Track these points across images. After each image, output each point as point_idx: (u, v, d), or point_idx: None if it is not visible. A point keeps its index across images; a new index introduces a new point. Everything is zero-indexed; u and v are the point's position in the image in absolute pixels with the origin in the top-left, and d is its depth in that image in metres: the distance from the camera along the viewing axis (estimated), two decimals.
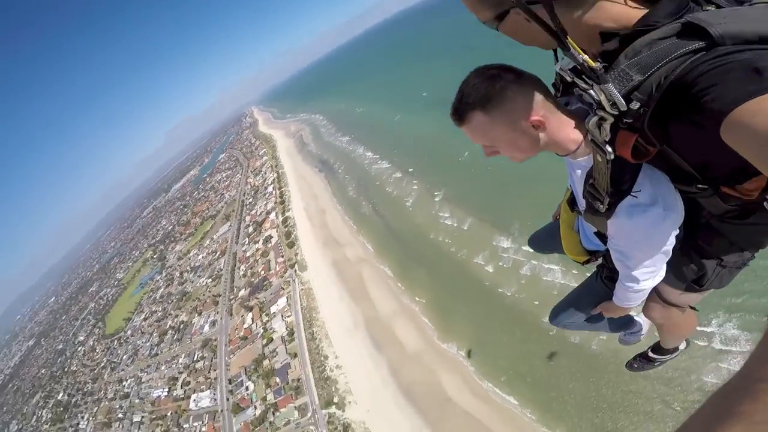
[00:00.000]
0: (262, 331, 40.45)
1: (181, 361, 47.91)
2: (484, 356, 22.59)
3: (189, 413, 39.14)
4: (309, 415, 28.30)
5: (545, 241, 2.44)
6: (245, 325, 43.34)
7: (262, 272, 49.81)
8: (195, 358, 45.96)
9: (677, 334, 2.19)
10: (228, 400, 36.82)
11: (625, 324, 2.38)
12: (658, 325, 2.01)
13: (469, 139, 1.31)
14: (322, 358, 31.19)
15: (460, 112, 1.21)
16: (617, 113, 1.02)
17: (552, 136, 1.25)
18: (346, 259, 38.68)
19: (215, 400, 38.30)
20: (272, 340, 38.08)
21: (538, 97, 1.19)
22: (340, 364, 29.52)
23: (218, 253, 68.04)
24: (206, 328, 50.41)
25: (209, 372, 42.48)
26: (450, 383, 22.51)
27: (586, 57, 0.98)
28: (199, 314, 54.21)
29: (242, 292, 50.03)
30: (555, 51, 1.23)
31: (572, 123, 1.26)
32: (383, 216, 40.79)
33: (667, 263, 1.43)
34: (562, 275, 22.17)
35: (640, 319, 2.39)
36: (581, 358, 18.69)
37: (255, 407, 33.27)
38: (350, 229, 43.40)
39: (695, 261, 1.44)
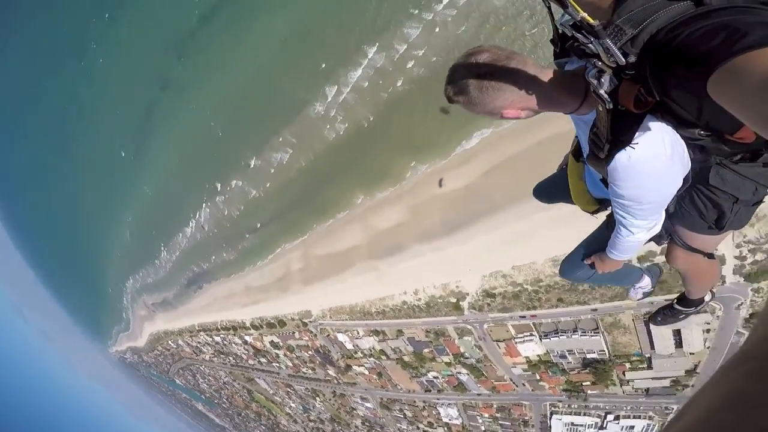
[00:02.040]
0: None
1: None
2: None
3: None
4: None
5: (551, 191, 2.45)
6: None
7: None
8: None
9: (702, 283, 2.20)
10: None
11: (635, 279, 2.48)
12: (683, 272, 2.04)
13: None
14: None
15: (448, 98, 1.35)
16: (615, 65, 1.07)
17: (543, 108, 1.37)
18: None
19: None
20: None
21: (516, 93, 1.30)
22: None
23: None
24: None
25: None
26: None
27: (584, 14, 1.02)
28: None
29: None
30: (549, 8, 1.24)
31: (569, 86, 1.36)
32: None
33: (686, 207, 1.51)
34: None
35: (648, 274, 2.51)
36: None
37: None
38: None
39: (713, 202, 1.47)
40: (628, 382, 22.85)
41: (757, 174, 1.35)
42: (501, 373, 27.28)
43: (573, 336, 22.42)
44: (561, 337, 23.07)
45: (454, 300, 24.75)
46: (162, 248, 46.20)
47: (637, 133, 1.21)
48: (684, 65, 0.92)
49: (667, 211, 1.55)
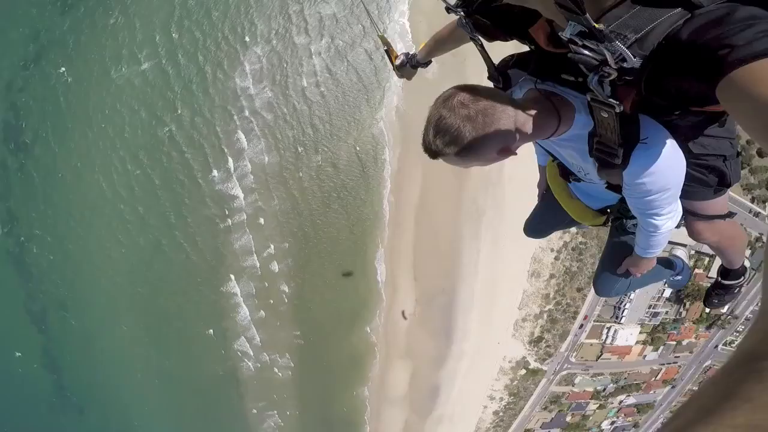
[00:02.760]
0: None
1: None
2: None
3: None
4: None
5: (543, 223, 2.46)
6: None
7: None
8: None
9: (736, 248, 2.16)
10: None
11: (668, 266, 2.42)
12: (714, 244, 2.00)
13: None
14: None
15: (434, 153, 1.24)
16: (618, 68, 1.08)
17: (534, 134, 1.32)
18: None
19: None
20: None
21: (506, 130, 1.25)
22: None
23: None
24: None
25: None
26: None
27: (592, 21, 1.03)
28: None
29: None
30: (481, 45, 1.53)
31: (544, 107, 1.33)
32: None
33: (689, 183, 1.51)
34: None
35: (676, 259, 2.49)
36: None
37: None
38: None
39: (708, 167, 1.55)
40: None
41: (722, 131, 1.48)
42: (645, 370, 24.12)
43: (631, 297, 20.68)
44: (627, 307, 21.14)
45: (523, 371, 22.43)
46: None
47: (641, 129, 1.28)
48: (691, 67, 0.96)
49: None
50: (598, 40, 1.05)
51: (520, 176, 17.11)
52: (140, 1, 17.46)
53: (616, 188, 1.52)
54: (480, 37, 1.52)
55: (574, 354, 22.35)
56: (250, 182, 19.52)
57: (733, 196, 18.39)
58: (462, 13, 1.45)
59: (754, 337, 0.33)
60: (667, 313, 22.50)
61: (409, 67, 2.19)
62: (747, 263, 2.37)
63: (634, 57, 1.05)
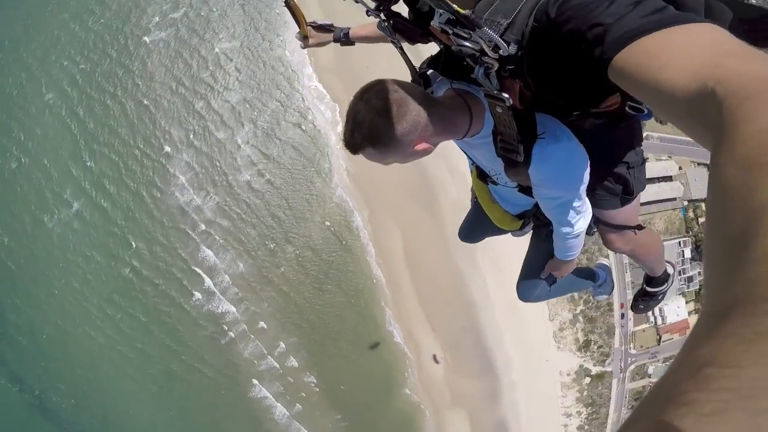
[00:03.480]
0: None
1: None
2: None
3: None
4: None
5: (471, 229, 2.43)
6: None
7: None
8: None
9: (653, 256, 2.20)
10: None
11: (589, 277, 2.48)
12: (629, 253, 2.02)
13: None
14: None
15: (354, 147, 1.22)
16: (497, 57, 1.05)
17: (437, 141, 1.32)
18: None
19: None
20: None
21: (422, 122, 1.22)
22: None
23: None
24: None
25: None
26: None
27: (456, 6, 1.01)
28: None
29: None
30: (401, 48, 1.39)
31: (454, 111, 1.32)
32: None
33: (595, 189, 1.53)
34: None
35: (599, 269, 2.54)
36: None
37: None
38: None
39: (612, 175, 1.55)
40: None
41: (626, 137, 1.48)
42: None
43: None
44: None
45: (587, 379, 21.23)
46: None
47: (538, 125, 1.26)
48: (573, 50, 0.90)
49: None
50: (469, 27, 1.03)
51: None
52: (33, 136, 16.01)
53: (527, 191, 1.54)
54: (400, 41, 1.40)
55: (631, 346, 20.61)
56: (235, 293, 18.59)
57: None
58: (382, 16, 1.33)
59: (693, 339, 0.31)
60: (699, 273, 20.85)
61: (337, 36, 1.95)
62: (670, 269, 2.43)
63: (508, 44, 1.02)
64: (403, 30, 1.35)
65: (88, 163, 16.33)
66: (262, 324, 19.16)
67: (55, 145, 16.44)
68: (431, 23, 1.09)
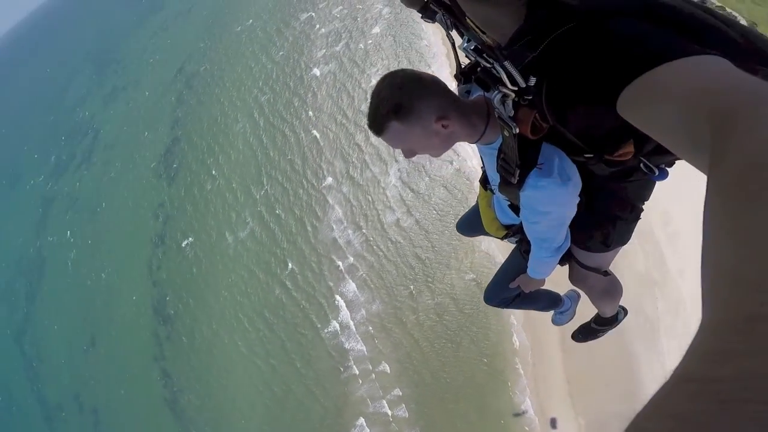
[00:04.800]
0: None
1: None
2: None
3: None
4: None
5: (469, 224, 2.58)
6: None
7: None
8: None
9: (606, 301, 2.32)
10: None
11: (553, 302, 2.60)
12: (587, 292, 2.17)
13: None
14: None
15: (378, 123, 1.32)
16: (517, 89, 1.11)
17: (458, 130, 1.39)
18: None
19: None
20: None
21: (441, 100, 1.33)
22: None
23: None
24: None
25: None
26: None
27: (484, 36, 1.06)
28: None
29: None
30: (453, 43, 1.36)
31: (475, 112, 1.40)
32: None
33: (576, 228, 1.61)
34: None
35: (566, 297, 2.65)
36: None
37: None
38: None
39: (598, 222, 1.61)
40: None
41: (630, 194, 1.53)
42: None
43: None
44: None
45: None
46: None
47: (539, 156, 1.34)
48: (585, 86, 0.94)
49: None
50: (493, 59, 1.05)
51: (691, 266, 13.26)
52: (228, 159, 18.14)
53: (516, 209, 1.62)
54: (446, 24, 1.37)
55: None
56: (368, 330, 18.73)
57: None
58: (441, 10, 1.31)
59: (690, 360, 0.32)
60: None
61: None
62: (621, 315, 2.52)
63: (527, 78, 1.05)
64: (458, 27, 1.32)
65: (266, 188, 17.92)
66: (384, 366, 18.88)
67: (243, 169, 18.34)
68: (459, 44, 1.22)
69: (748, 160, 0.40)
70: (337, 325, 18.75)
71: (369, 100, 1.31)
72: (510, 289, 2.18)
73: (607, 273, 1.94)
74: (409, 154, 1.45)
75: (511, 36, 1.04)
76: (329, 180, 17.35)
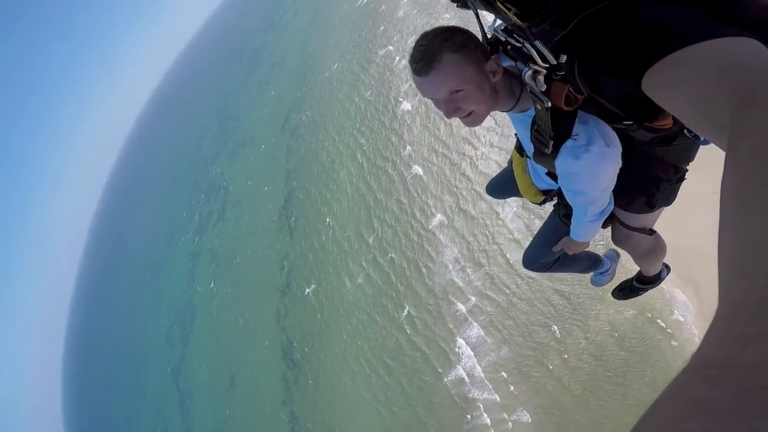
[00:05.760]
0: None
1: None
2: None
3: None
4: None
5: (500, 187, 2.61)
6: None
7: None
8: None
9: (651, 260, 2.31)
10: None
11: (593, 264, 2.61)
12: (631, 252, 2.15)
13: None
14: None
15: (432, 53, 1.26)
16: (548, 66, 1.13)
17: (501, 85, 1.40)
18: None
19: None
20: None
21: (485, 49, 1.38)
22: None
23: None
24: None
25: None
26: None
27: (515, 18, 1.08)
28: None
29: None
30: (477, 14, 1.38)
31: (511, 80, 1.43)
32: None
33: (619, 191, 1.62)
34: None
35: (607, 257, 2.71)
36: None
37: None
38: None
39: (642, 185, 1.64)
40: None
41: (674, 154, 1.51)
42: None
43: None
44: None
45: None
46: None
47: (575, 126, 1.34)
48: (615, 61, 0.93)
49: None
50: (523, 38, 1.08)
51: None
52: (340, 206, 18.50)
53: (554, 176, 1.62)
54: (477, 6, 1.40)
55: None
56: (499, 375, 16.85)
57: None
58: None
59: (708, 346, 0.31)
60: None
61: None
62: (664, 273, 2.49)
63: (560, 54, 1.07)
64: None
65: (377, 231, 17.72)
66: (523, 414, 16.71)
67: (354, 213, 18.54)
68: (488, 28, 1.28)
69: (765, 137, 0.40)
70: (462, 371, 17.50)
71: (411, 53, 1.29)
72: (552, 252, 2.15)
73: (652, 232, 1.93)
74: (453, 102, 1.35)
75: (540, 13, 1.07)
76: (439, 217, 16.60)
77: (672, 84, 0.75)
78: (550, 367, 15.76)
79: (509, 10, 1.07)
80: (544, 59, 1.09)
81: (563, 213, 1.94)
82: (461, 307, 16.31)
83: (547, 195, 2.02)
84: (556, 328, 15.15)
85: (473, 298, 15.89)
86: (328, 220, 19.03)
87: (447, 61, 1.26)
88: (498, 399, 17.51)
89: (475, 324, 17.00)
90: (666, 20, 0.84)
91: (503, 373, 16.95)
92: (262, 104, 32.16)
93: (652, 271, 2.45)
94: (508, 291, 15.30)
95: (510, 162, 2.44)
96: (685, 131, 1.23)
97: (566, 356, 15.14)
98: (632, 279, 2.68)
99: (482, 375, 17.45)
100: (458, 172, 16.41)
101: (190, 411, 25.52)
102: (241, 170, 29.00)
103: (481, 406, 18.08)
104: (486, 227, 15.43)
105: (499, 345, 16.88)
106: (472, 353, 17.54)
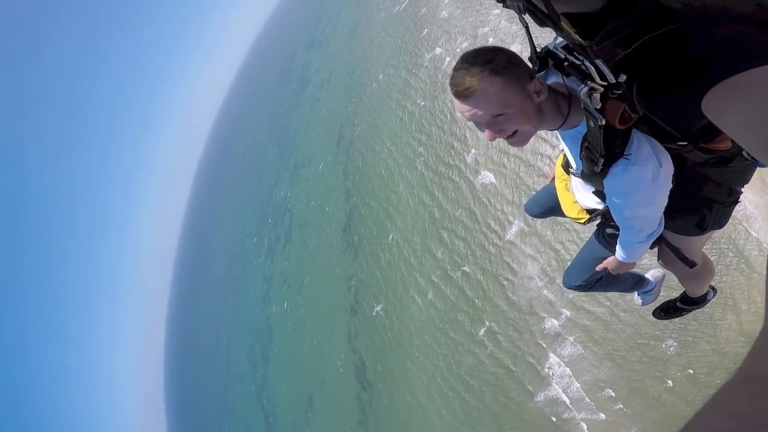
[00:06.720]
0: None
1: None
2: None
3: None
4: None
5: (543, 205, 2.60)
6: None
7: None
8: None
9: (697, 281, 2.31)
10: None
11: (636, 284, 2.66)
12: (677, 274, 2.15)
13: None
14: None
15: (472, 76, 1.28)
16: (606, 84, 1.15)
17: (546, 105, 1.41)
18: None
19: None
20: None
21: (529, 69, 1.39)
22: None
23: None
24: None
25: None
26: None
27: (576, 36, 1.08)
28: None
29: None
30: (527, 26, 1.33)
31: (559, 99, 1.45)
32: None
33: (670, 212, 1.61)
34: None
35: (651, 276, 2.77)
36: None
37: None
38: None
39: (693, 207, 1.63)
40: None
41: (729, 177, 1.50)
42: None
43: None
44: None
45: None
46: None
47: (627, 145, 1.34)
48: (676, 83, 0.96)
49: None
50: (584, 57, 1.10)
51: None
52: (404, 219, 17.72)
53: (601, 195, 1.63)
54: (527, 19, 1.41)
55: None
56: (602, 393, 14.74)
57: None
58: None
59: (754, 360, 0.30)
60: None
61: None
62: (710, 295, 2.44)
63: (619, 73, 1.08)
64: (533, 12, 1.30)
65: (446, 243, 16.64)
66: None
67: (419, 226, 17.67)
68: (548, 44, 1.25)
69: None
70: (558, 388, 15.74)
71: (453, 74, 1.29)
72: (595, 272, 2.19)
73: (694, 264, 1.90)
74: (496, 129, 1.36)
75: (604, 31, 1.07)
76: (517, 225, 15.05)
77: (728, 108, 0.74)
78: (672, 384, 13.62)
79: (572, 28, 1.06)
80: (603, 77, 1.12)
81: (609, 233, 1.93)
82: (552, 321, 14.82)
83: (591, 214, 1.98)
84: (671, 340, 13.01)
85: (566, 312, 14.25)
86: (392, 235, 18.42)
87: (488, 84, 1.28)
88: (604, 417, 15.45)
89: (570, 338, 15.19)
90: (727, 44, 0.82)
91: (609, 390, 14.97)
92: (315, 123, 32.91)
93: (698, 293, 2.44)
94: (608, 303, 13.46)
95: (550, 180, 2.40)
96: (744, 153, 1.19)
97: (691, 370, 12.96)
98: (676, 299, 2.65)
99: (582, 393, 15.55)
100: (535, 174, 14.88)
101: (274, 429, 26.22)
102: (303, 191, 29.70)
103: (585, 425, 16.14)
104: (577, 234, 13.74)
105: (601, 361, 14.90)
106: (569, 370, 15.73)
